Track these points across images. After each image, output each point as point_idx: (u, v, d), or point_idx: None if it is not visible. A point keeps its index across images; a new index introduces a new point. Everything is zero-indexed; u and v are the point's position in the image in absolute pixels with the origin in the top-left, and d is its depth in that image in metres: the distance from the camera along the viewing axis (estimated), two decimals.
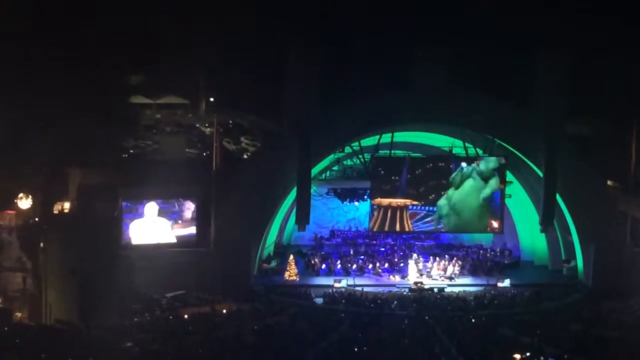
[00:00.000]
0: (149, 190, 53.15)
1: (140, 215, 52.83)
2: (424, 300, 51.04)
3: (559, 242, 57.29)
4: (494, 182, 56.66)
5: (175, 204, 53.85)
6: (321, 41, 54.25)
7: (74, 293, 44.87)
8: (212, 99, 71.46)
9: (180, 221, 53.77)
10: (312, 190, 54.55)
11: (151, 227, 53.02)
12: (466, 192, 56.91)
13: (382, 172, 56.93)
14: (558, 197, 54.58)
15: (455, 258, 58.03)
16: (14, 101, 50.23)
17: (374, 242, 61.56)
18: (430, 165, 57.29)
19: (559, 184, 54.20)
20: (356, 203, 60.52)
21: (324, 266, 56.64)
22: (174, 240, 53.53)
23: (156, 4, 61.94)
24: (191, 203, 53.88)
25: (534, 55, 54.92)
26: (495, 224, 57.63)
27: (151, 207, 52.97)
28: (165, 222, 53.35)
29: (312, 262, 57.38)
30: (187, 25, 64.08)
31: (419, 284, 53.65)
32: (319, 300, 51.41)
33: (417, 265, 56.17)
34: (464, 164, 56.66)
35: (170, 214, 53.65)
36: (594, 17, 61.30)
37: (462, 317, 46.66)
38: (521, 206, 58.97)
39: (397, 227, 57.68)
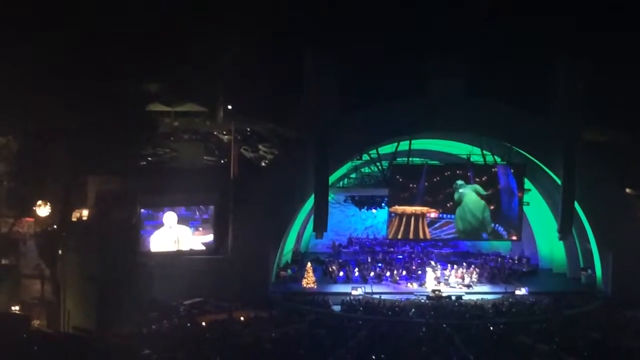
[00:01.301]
0: (167, 198, 53.26)
1: (160, 223, 52.97)
2: (441, 308, 50.86)
3: (577, 249, 57.03)
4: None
5: (196, 211, 53.97)
6: (339, 49, 54.15)
7: (92, 300, 45.22)
8: (230, 107, 71.52)
9: (200, 228, 53.93)
10: (329, 197, 54.56)
11: (171, 236, 53.16)
12: (470, 202, 57.09)
13: (400, 179, 56.82)
14: (576, 204, 54.34)
15: (473, 266, 57.87)
16: (32, 109, 50.49)
17: (392, 249, 61.43)
18: (448, 173, 57.17)
19: (577, 191, 53.94)
20: (374, 210, 60.52)
21: (341, 274, 56.55)
22: (200, 248, 53.62)
23: (174, 12, 62.14)
24: (210, 210, 54.01)
25: (552, 63, 54.71)
26: (511, 232, 57.61)
27: (170, 216, 53.15)
28: (186, 230, 53.49)
29: (330, 269, 57.33)
30: (205, 33, 64.27)
31: (436, 292, 53.47)
32: (337, 308, 51.31)
33: (435, 273, 56.03)
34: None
35: (192, 221, 53.81)
36: (613, 25, 61.07)
37: (480, 325, 46.55)
38: (539, 214, 58.73)
39: (420, 234, 57.59)
